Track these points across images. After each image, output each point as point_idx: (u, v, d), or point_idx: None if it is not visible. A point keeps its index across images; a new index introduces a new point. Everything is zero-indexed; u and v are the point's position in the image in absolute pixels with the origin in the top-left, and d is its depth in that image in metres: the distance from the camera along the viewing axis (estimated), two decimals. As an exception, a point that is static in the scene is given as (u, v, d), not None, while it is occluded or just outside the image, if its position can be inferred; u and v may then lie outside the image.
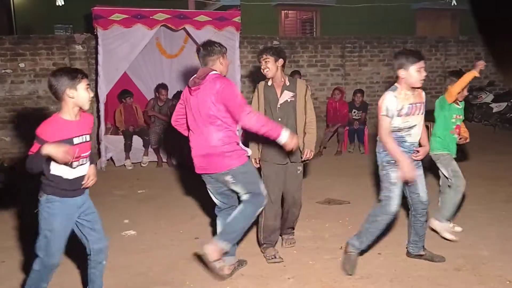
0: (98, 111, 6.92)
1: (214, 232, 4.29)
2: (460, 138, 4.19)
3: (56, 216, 2.65)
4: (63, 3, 6.82)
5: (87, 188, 2.83)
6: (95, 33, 6.29)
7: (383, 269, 3.49)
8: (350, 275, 3.37)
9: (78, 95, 2.60)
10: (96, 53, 6.58)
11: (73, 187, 2.71)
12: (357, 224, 4.40)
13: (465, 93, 4.11)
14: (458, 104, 4.15)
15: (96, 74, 6.84)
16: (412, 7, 11.98)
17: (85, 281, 3.08)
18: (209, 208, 4.90)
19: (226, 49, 3.33)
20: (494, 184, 5.62)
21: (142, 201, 5.39)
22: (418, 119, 3.34)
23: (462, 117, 4.21)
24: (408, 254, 3.66)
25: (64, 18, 10.21)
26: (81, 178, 2.74)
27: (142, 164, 7.12)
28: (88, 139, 2.74)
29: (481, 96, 9.62)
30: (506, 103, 9.51)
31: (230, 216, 3.26)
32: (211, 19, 6.73)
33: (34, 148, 2.56)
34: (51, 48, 7.94)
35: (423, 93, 3.43)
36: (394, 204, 3.29)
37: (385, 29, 10.85)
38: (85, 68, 8.07)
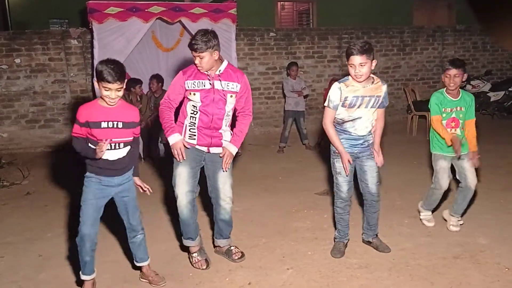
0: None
1: (213, 224, 4.30)
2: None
3: (90, 190, 2.95)
4: (57, -5, 6.76)
5: (127, 171, 3.07)
6: (90, 27, 6.25)
7: (381, 258, 3.50)
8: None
9: (99, 89, 2.86)
10: (92, 47, 6.55)
11: (108, 167, 2.93)
12: (354, 214, 4.42)
13: (454, 82, 3.66)
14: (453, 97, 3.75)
15: (92, 68, 6.80)
16: (408, -3, 11.93)
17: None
18: (208, 202, 4.91)
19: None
20: (491, 172, 5.62)
21: (141, 195, 5.37)
22: (364, 113, 3.33)
23: (460, 109, 3.75)
24: (362, 240, 3.78)
25: (59, 13, 10.17)
26: (116, 161, 2.95)
27: None
28: (120, 126, 2.90)
29: (478, 85, 9.61)
30: (504, 92, 9.51)
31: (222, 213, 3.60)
32: (207, 11, 6.69)
33: (74, 129, 2.88)
34: (47, 43, 7.91)
35: (383, 87, 3.34)
36: (343, 190, 3.48)
37: (382, 19, 10.80)
38: (81, 62, 8.05)
